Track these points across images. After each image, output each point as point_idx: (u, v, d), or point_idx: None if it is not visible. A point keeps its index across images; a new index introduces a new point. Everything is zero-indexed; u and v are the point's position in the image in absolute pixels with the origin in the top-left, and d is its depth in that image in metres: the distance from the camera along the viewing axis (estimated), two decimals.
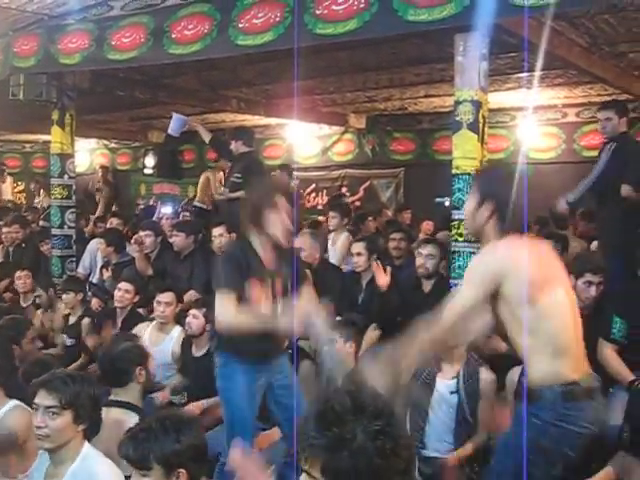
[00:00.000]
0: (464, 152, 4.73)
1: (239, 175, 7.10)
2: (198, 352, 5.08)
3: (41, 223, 9.79)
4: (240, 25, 5.29)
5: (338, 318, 4.87)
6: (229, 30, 5.35)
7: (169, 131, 7.81)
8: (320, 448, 1.54)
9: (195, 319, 5.05)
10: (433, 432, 4.12)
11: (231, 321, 3.61)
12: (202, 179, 10.02)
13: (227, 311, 3.61)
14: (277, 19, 5.06)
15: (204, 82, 8.28)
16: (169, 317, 5.42)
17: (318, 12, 4.87)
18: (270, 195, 3.73)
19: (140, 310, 6.04)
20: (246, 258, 3.71)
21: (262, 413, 4.07)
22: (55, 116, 7.37)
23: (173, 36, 5.68)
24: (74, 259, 7.80)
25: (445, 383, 4.15)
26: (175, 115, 7.64)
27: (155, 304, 5.44)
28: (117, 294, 5.91)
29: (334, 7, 4.81)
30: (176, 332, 5.39)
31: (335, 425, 1.55)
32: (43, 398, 2.86)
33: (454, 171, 4.79)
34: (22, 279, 6.90)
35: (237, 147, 7.43)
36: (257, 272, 3.69)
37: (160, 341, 5.32)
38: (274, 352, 3.90)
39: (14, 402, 3.43)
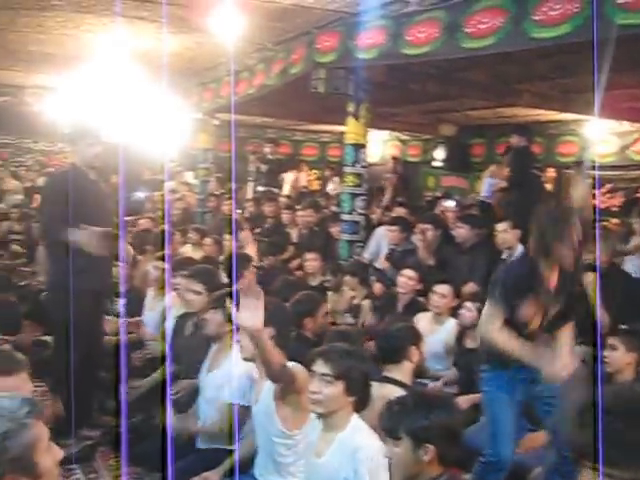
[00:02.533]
0: None
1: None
2: (472, 344, 5.11)
3: (333, 208, 10.32)
4: (535, 17, 5.17)
5: (622, 326, 4.63)
6: (524, 23, 5.25)
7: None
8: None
9: (468, 312, 5.13)
10: None
11: (491, 335, 3.74)
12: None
13: (491, 323, 3.74)
14: (575, 10, 4.88)
15: (496, 76, 8.20)
16: (443, 308, 5.49)
17: (620, 1, 4.61)
18: (558, 227, 3.67)
19: (421, 299, 6.16)
20: (528, 278, 3.69)
21: (530, 412, 4.01)
22: (351, 108, 7.68)
23: (467, 30, 5.70)
24: (361, 244, 8.12)
25: None
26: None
27: (431, 294, 5.55)
28: (400, 280, 6.08)
29: None
30: (450, 324, 5.45)
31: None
32: (320, 366, 3.06)
33: None
34: (310, 261, 7.28)
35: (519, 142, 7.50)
36: (537, 294, 3.69)
37: (434, 331, 5.40)
38: None
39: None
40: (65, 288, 4.70)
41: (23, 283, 7.27)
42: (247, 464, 3.72)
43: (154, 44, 8.97)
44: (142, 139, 11.70)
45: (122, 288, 6.01)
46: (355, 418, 3.10)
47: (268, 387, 3.51)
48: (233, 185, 11.87)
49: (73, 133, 5.30)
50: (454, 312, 5.44)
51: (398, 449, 2.63)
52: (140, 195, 12.52)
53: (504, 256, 6.48)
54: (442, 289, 5.50)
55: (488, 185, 9.54)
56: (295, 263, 8.16)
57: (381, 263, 7.74)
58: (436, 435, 2.59)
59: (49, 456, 1.89)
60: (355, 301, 6.58)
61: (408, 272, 6.07)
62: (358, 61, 6.89)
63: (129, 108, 10.99)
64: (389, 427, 2.68)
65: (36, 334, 5.65)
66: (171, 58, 9.74)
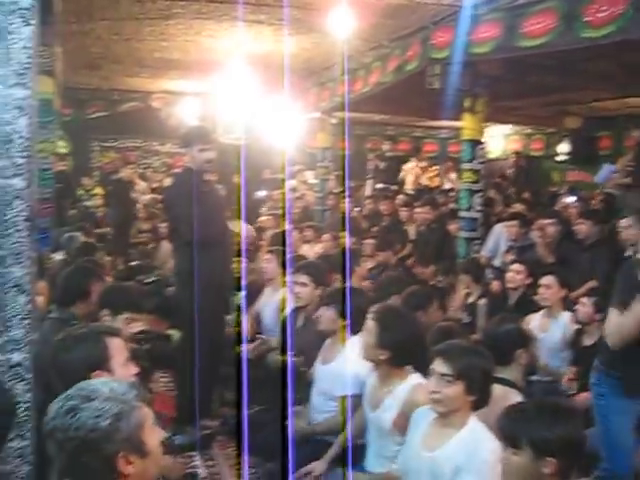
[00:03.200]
0: None
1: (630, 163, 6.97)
2: (588, 341, 4.97)
3: (451, 206, 10.23)
4: None
5: None
6: None
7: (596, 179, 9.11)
8: None
9: (583, 307, 4.97)
10: None
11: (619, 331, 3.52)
12: None
13: (613, 326, 3.54)
14: None
15: (621, 65, 7.88)
16: (550, 300, 5.36)
17: None
18: None
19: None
20: None
21: None
22: (467, 103, 7.61)
23: (585, 19, 5.52)
24: (479, 241, 8.02)
25: None
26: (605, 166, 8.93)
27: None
28: (508, 275, 6.01)
29: None
30: (563, 319, 5.32)
31: None
32: (439, 366, 3.00)
33: None
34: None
35: None
36: None
37: (547, 327, 5.29)
38: None
39: (416, 377, 3.58)
40: (191, 283, 4.90)
41: (150, 279, 7.59)
42: (356, 456, 3.75)
43: (272, 46, 9.17)
44: (263, 139, 11.99)
45: (243, 282, 6.12)
46: (474, 419, 3.02)
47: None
48: (347, 183, 11.95)
49: (186, 138, 5.42)
50: (570, 308, 5.29)
51: (517, 457, 2.54)
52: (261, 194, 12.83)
53: (628, 253, 6.25)
54: (546, 280, 5.39)
55: (607, 172, 9.20)
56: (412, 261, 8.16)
57: (500, 260, 7.63)
58: (560, 448, 2.48)
59: (154, 436, 2.05)
60: (470, 299, 6.53)
61: (516, 266, 6.01)
62: (474, 56, 6.81)
63: (250, 110, 11.29)
64: (509, 434, 2.59)
65: (162, 328, 5.88)
66: (289, 59, 9.93)
